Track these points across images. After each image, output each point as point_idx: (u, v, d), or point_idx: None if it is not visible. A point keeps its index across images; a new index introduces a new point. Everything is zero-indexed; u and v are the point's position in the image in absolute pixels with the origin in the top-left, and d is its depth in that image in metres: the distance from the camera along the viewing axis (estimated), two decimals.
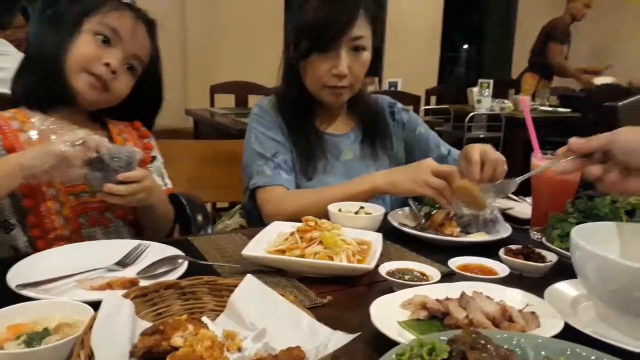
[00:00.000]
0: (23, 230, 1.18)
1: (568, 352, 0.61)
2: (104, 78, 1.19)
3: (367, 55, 1.43)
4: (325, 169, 1.48)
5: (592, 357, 0.59)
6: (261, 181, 1.41)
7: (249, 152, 1.48)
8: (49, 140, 1.06)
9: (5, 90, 1.84)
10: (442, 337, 0.61)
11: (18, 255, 1.02)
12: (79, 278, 0.89)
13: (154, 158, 1.41)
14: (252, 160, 1.46)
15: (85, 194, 1.20)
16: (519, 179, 1.15)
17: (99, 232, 1.24)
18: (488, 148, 1.28)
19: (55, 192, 1.18)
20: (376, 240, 1.11)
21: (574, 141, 0.94)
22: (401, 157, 1.63)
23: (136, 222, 1.31)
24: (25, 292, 0.81)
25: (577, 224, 0.96)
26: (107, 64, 1.18)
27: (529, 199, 1.46)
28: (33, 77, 1.22)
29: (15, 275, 0.87)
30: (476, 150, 1.25)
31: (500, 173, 1.25)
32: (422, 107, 4.64)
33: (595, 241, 0.77)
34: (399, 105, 1.68)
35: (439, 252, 1.09)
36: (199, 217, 1.47)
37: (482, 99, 4.58)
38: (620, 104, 2.44)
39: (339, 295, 0.91)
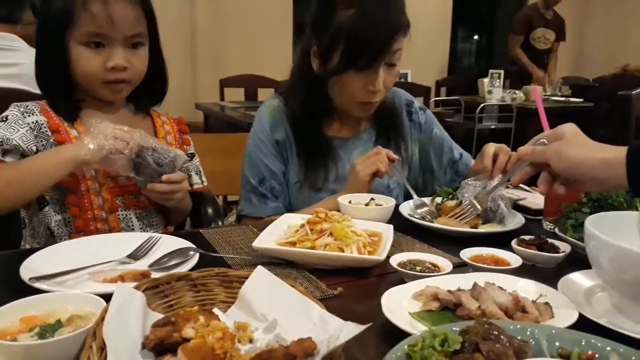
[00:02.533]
0: (56, 209, 1.21)
1: (583, 343, 0.60)
2: (120, 78, 1.19)
3: (399, 66, 1.36)
4: (337, 177, 1.43)
5: (608, 348, 0.59)
6: (246, 210, 1.42)
7: (242, 171, 1.46)
8: (97, 134, 1.09)
9: (18, 85, 1.87)
10: (454, 328, 0.61)
11: (31, 248, 1.03)
12: (91, 271, 0.90)
13: (192, 155, 1.43)
14: (243, 181, 1.45)
15: (122, 177, 1.23)
16: (487, 192, 1.22)
17: (133, 215, 1.27)
18: (504, 145, 1.31)
19: (95, 173, 1.21)
20: (387, 231, 1.10)
21: (523, 150, 0.99)
22: (415, 160, 1.56)
23: (165, 210, 1.36)
24: (39, 285, 0.82)
25: (591, 213, 0.94)
26: (113, 68, 1.17)
27: None
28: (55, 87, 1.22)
29: (29, 268, 0.88)
30: (491, 147, 1.29)
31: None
32: (432, 99, 4.61)
33: (609, 231, 0.76)
34: (417, 104, 1.60)
35: (450, 243, 1.08)
36: (210, 210, 1.48)
37: (493, 90, 4.54)
38: (634, 92, 2.41)
39: (349, 286, 0.91)
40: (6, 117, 1.18)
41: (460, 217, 1.20)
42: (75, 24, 1.13)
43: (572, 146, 0.89)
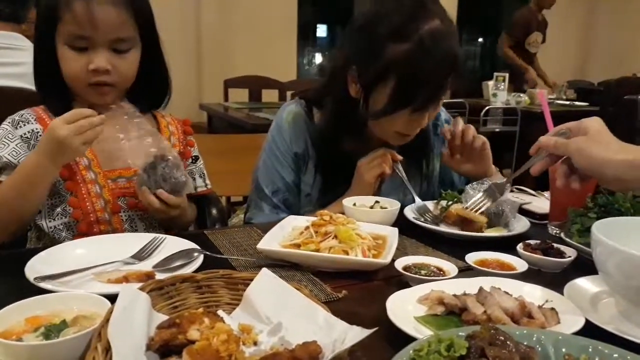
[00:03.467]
0: (53, 215, 1.20)
1: (590, 350, 0.60)
2: (103, 81, 1.17)
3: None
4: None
5: (615, 355, 0.58)
6: (256, 219, 1.39)
7: (255, 177, 1.43)
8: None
9: (23, 84, 1.87)
10: (460, 333, 0.60)
11: (35, 248, 1.03)
12: (96, 271, 0.90)
13: (196, 158, 1.42)
14: (255, 188, 1.42)
15: (122, 178, 1.23)
16: (506, 181, 1.20)
17: (136, 216, 1.26)
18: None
19: (95, 176, 1.21)
20: (392, 234, 1.10)
21: (544, 140, 0.97)
22: (436, 175, 1.51)
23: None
24: (44, 285, 0.82)
25: (597, 218, 0.94)
26: (95, 70, 1.14)
27: (547, 194, 1.44)
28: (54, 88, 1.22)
29: (34, 268, 0.88)
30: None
31: (469, 135, 1.34)
32: None
33: (616, 236, 0.75)
34: (443, 116, 1.53)
35: (455, 247, 1.08)
36: (214, 211, 1.48)
37: (498, 93, 4.54)
38: None
39: (354, 289, 0.90)
40: None
41: (477, 209, 1.19)
42: (61, 23, 1.13)
43: (596, 145, 0.87)
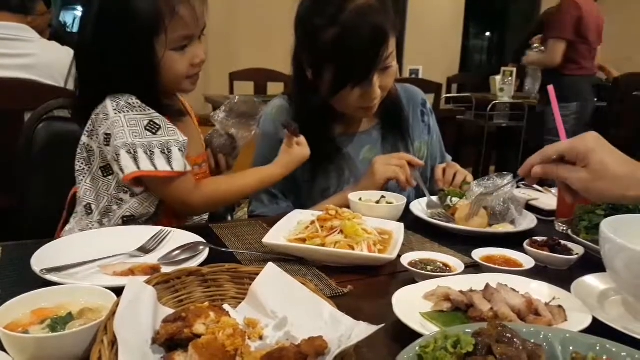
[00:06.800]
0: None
1: (597, 348, 0.59)
2: (200, 69, 1.20)
3: (395, 66, 1.31)
4: (350, 178, 1.42)
5: (623, 354, 0.58)
6: (259, 210, 1.42)
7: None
8: None
9: (29, 76, 1.87)
10: (467, 330, 0.60)
11: (42, 240, 1.03)
12: (101, 263, 0.90)
13: None
14: None
15: (196, 166, 1.26)
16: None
17: None
18: (454, 164, 1.43)
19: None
20: (398, 230, 1.09)
21: (537, 169, 0.90)
22: (424, 159, 1.53)
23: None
24: (50, 277, 0.82)
25: (605, 216, 0.94)
26: (200, 62, 1.18)
27: (554, 190, 1.43)
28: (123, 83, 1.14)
29: (40, 260, 0.88)
30: (439, 166, 1.42)
31: (459, 177, 1.37)
32: (444, 95, 4.57)
33: (625, 234, 0.75)
34: (429, 106, 1.59)
35: (461, 243, 1.08)
36: None
37: (505, 88, 4.50)
38: None
39: (359, 285, 0.90)
40: (156, 125, 1.12)
41: (468, 216, 1.19)
42: (166, 31, 1.09)
43: (603, 182, 0.82)
